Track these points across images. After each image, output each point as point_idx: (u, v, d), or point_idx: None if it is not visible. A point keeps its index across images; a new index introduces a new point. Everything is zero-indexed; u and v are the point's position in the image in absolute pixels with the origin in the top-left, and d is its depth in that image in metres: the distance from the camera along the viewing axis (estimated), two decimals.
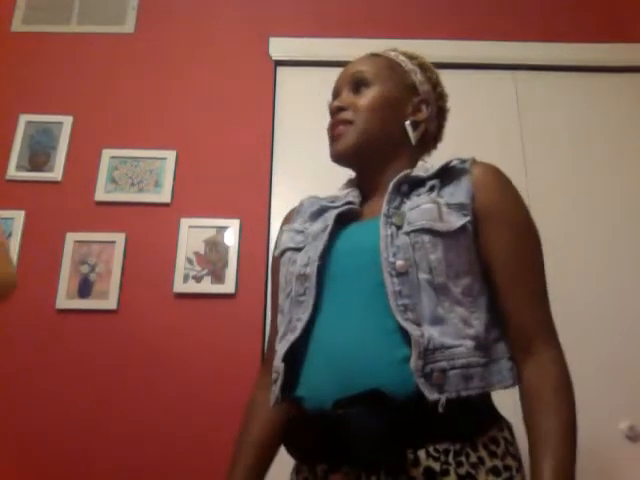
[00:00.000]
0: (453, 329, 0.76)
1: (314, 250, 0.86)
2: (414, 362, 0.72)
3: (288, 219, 1.04)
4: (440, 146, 1.04)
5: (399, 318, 0.75)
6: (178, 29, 2.07)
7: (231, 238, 1.78)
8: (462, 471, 0.71)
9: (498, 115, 1.98)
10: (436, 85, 0.99)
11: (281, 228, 1.03)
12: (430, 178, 0.87)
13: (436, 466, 0.71)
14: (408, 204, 0.84)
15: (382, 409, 0.70)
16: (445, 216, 0.80)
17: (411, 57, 1.00)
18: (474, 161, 0.89)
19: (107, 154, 1.87)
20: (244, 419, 0.96)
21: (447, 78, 1.04)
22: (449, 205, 0.82)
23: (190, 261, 1.75)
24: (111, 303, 1.69)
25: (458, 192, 0.84)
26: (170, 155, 1.87)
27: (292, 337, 0.83)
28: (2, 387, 1.61)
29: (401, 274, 0.77)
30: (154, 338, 1.67)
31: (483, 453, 0.73)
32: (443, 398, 0.71)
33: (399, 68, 0.97)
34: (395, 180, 0.87)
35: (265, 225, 1.81)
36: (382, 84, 0.94)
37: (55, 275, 1.72)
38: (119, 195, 1.82)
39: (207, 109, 1.95)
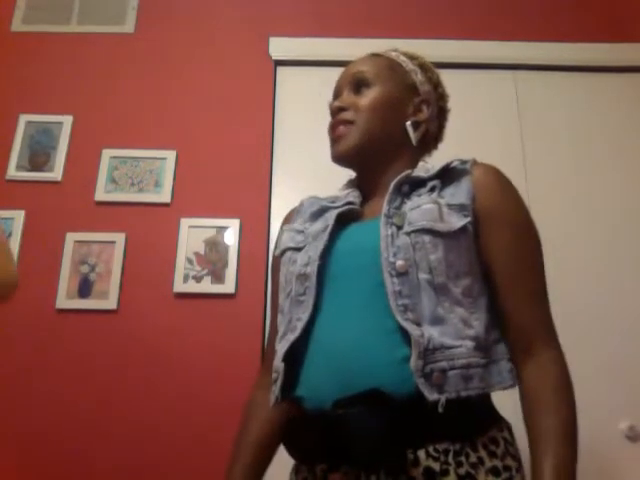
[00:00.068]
0: (453, 329, 0.76)
1: (314, 250, 0.86)
2: (414, 362, 0.72)
3: (288, 219, 1.04)
4: (440, 146, 1.04)
5: (399, 318, 0.75)
6: (178, 29, 2.07)
7: (231, 238, 1.78)
8: (462, 471, 0.71)
9: (498, 115, 1.98)
10: (437, 85, 0.99)
11: (281, 228, 1.03)
12: (431, 178, 0.87)
13: (436, 466, 0.71)
14: (409, 204, 0.84)
15: (382, 409, 0.70)
16: (446, 217, 0.81)
17: (412, 57, 1.00)
18: (475, 162, 0.89)
19: (107, 154, 1.87)
20: (243, 419, 0.97)
21: (447, 78, 1.04)
22: (450, 206, 0.82)
23: (190, 261, 1.75)
24: (111, 303, 1.69)
25: (459, 193, 0.84)
26: (170, 155, 1.87)
27: (292, 337, 0.83)
28: (2, 387, 1.61)
29: (401, 274, 0.77)
30: (154, 338, 1.67)
31: (483, 453, 0.73)
32: (443, 398, 0.71)
33: (400, 68, 0.97)
34: (396, 180, 0.87)
35: (265, 225, 1.81)
36: (383, 84, 0.94)
37: (55, 275, 1.72)
38: (119, 195, 1.82)
39: (207, 109, 1.95)
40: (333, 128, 0.95)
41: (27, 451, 1.56)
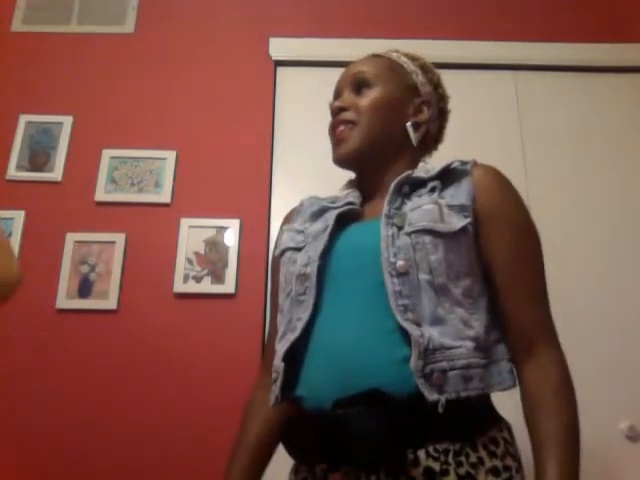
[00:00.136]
0: (453, 330, 0.76)
1: (314, 250, 0.86)
2: (414, 362, 0.72)
3: (288, 219, 1.04)
4: (440, 146, 1.04)
5: (399, 318, 0.75)
6: (178, 29, 2.07)
7: (231, 238, 1.78)
8: (462, 471, 0.71)
9: (498, 115, 1.98)
10: (437, 86, 1.00)
11: (281, 228, 1.03)
12: (431, 179, 0.87)
13: (436, 466, 0.71)
14: (409, 205, 0.84)
15: (382, 409, 0.70)
16: (446, 217, 0.81)
17: (413, 58, 1.00)
18: (475, 163, 0.89)
19: (107, 154, 1.87)
20: (243, 419, 0.97)
21: (447, 78, 1.04)
22: (450, 206, 0.82)
23: (190, 261, 1.75)
24: (111, 303, 1.69)
25: (459, 194, 0.84)
26: (170, 155, 1.87)
27: (292, 337, 0.83)
28: (2, 387, 1.61)
29: (401, 274, 0.77)
30: (154, 338, 1.67)
31: (483, 453, 0.73)
32: (443, 399, 0.72)
33: (401, 69, 0.98)
34: (396, 181, 0.87)
35: (265, 225, 1.81)
36: (383, 85, 0.94)
37: (55, 275, 1.72)
38: (119, 195, 1.82)
39: (207, 109, 1.95)
40: (334, 128, 0.95)
41: (27, 451, 1.56)
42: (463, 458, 0.72)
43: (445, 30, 2.06)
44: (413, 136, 0.94)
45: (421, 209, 0.82)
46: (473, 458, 0.72)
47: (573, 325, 1.57)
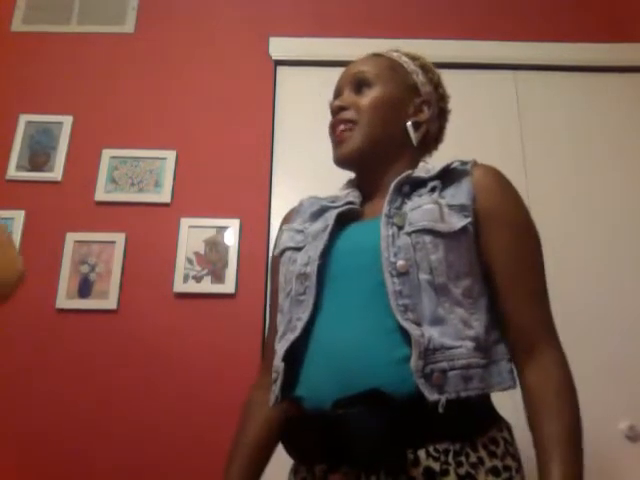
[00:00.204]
0: (453, 330, 0.76)
1: (314, 249, 0.86)
2: (414, 362, 0.72)
3: (288, 219, 1.04)
4: (440, 146, 1.04)
5: (399, 318, 0.75)
6: (178, 29, 2.07)
7: (231, 238, 1.78)
8: (462, 471, 0.71)
9: (498, 115, 1.98)
10: (438, 86, 1.00)
11: (281, 228, 1.03)
12: (431, 179, 0.87)
13: (436, 466, 0.71)
14: (409, 204, 0.84)
15: (382, 409, 0.70)
16: (446, 217, 0.81)
17: (413, 58, 1.00)
18: (475, 163, 0.89)
19: (107, 154, 1.87)
20: (242, 418, 0.97)
21: (447, 78, 1.04)
22: (450, 206, 0.82)
23: (190, 261, 1.75)
24: (111, 303, 1.69)
25: (459, 193, 0.84)
26: (170, 155, 1.87)
27: (292, 337, 0.83)
28: (2, 387, 1.61)
29: (402, 274, 0.77)
30: (154, 338, 1.67)
31: (483, 453, 0.73)
32: (443, 399, 0.71)
33: (401, 69, 0.97)
34: (397, 181, 0.87)
35: (265, 225, 1.81)
36: (384, 84, 0.94)
37: (55, 275, 1.72)
38: (119, 195, 1.82)
39: (207, 109, 1.95)
40: (334, 127, 0.95)
41: (27, 451, 1.56)
42: (463, 458, 0.72)
43: (445, 30, 2.06)
44: (413, 136, 0.94)
45: (421, 209, 0.82)
46: (473, 458, 0.72)
47: (573, 325, 1.57)
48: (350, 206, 0.92)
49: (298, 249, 0.90)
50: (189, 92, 1.97)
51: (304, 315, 0.83)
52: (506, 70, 2.04)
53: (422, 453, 0.72)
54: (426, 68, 1.00)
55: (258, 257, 1.76)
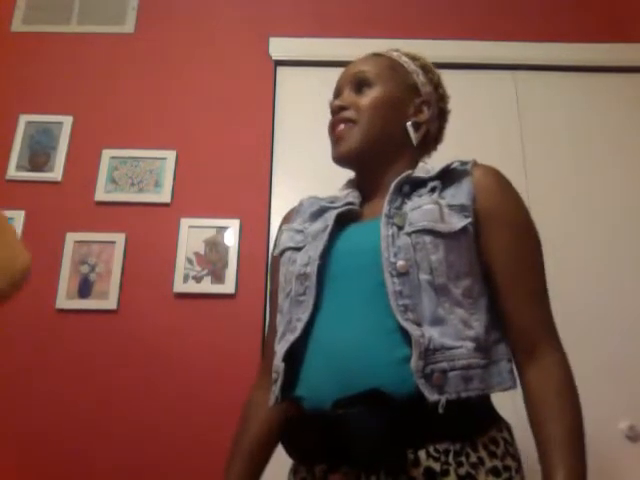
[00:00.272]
0: (453, 330, 0.76)
1: (314, 249, 0.86)
2: (415, 362, 0.72)
3: (287, 219, 1.04)
4: (440, 146, 1.04)
5: (399, 318, 0.75)
6: (178, 29, 2.07)
7: (231, 238, 1.78)
8: (462, 471, 0.71)
9: (498, 115, 1.98)
10: (438, 86, 0.99)
11: (280, 228, 1.03)
12: (431, 179, 0.87)
13: (436, 466, 0.71)
14: (409, 205, 0.84)
15: (382, 409, 0.70)
16: (446, 217, 0.81)
17: (413, 58, 1.00)
18: (475, 163, 0.89)
19: (107, 154, 1.87)
20: (241, 419, 0.97)
21: (447, 78, 1.04)
22: (450, 206, 0.82)
23: (190, 261, 1.75)
24: (111, 303, 1.69)
25: (459, 194, 0.84)
26: (170, 155, 1.87)
27: (292, 337, 0.83)
28: (2, 387, 1.61)
29: (402, 274, 0.77)
30: (154, 338, 1.67)
31: (483, 453, 0.73)
32: (443, 399, 0.71)
33: (401, 69, 0.97)
34: (397, 181, 0.87)
35: (265, 225, 1.81)
36: (384, 84, 0.94)
37: (55, 275, 1.72)
38: (119, 195, 1.82)
39: (207, 109, 1.95)
40: (333, 126, 0.95)
41: (27, 451, 1.56)
42: (463, 458, 0.72)
43: (445, 30, 2.06)
44: (413, 136, 0.94)
45: (421, 209, 0.82)
46: (473, 458, 0.72)
47: (573, 325, 1.57)
48: (350, 207, 0.92)
49: (298, 249, 0.90)
50: (189, 92, 1.97)
51: (304, 315, 0.83)
52: (506, 70, 2.04)
53: (422, 453, 0.72)
54: (426, 68, 1.00)
55: (258, 257, 1.76)
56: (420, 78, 0.97)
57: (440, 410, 0.71)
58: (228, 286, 1.72)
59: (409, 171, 0.89)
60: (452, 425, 0.73)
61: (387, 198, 0.85)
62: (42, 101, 1.95)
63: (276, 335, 0.89)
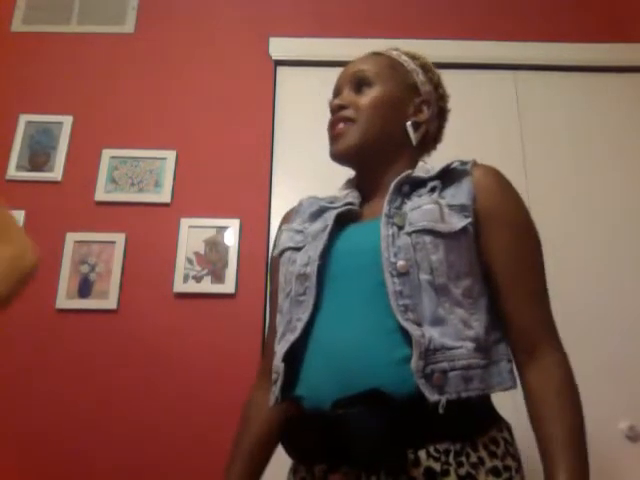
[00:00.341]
0: (453, 330, 0.76)
1: (314, 250, 0.86)
2: (415, 363, 0.72)
3: (287, 219, 1.03)
4: (440, 146, 1.04)
5: (399, 318, 0.75)
6: (178, 29, 2.07)
7: (231, 238, 1.78)
8: (462, 471, 0.71)
9: (498, 115, 1.98)
10: (437, 86, 0.99)
11: (280, 228, 1.02)
12: (431, 179, 0.87)
13: (436, 466, 0.71)
14: (409, 204, 0.84)
15: (382, 409, 0.70)
16: (447, 217, 0.81)
17: (413, 57, 1.00)
18: (475, 163, 0.89)
19: (107, 154, 1.87)
20: (242, 419, 0.96)
21: (447, 78, 1.04)
22: (450, 206, 0.82)
23: (190, 261, 1.75)
24: (111, 303, 1.69)
25: (459, 194, 0.84)
26: (170, 155, 1.87)
27: (292, 337, 0.83)
28: (2, 387, 1.61)
29: (402, 274, 0.77)
30: (154, 338, 1.67)
31: (483, 453, 0.73)
32: (443, 399, 0.71)
33: (401, 68, 0.97)
34: (397, 180, 0.87)
35: (265, 225, 1.81)
36: (384, 84, 0.94)
37: (55, 275, 1.72)
38: (119, 195, 1.82)
39: (207, 109, 1.95)
40: (333, 126, 0.95)
41: (27, 451, 1.56)
42: (464, 458, 0.72)
43: (445, 30, 2.06)
44: (413, 136, 0.93)
45: (421, 209, 0.82)
46: (473, 458, 0.72)
47: (573, 325, 1.57)
48: (349, 207, 0.92)
49: (298, 249, 0.90)
50: (189, 92, 1.97)
51: (304, 316, 0.83)
52: (506, 70, 2.04)
53: (422, 453, 0.72)
54: (426, 67, 0.99)
55: (258, 257, 1.76)
56: (420, 77, 0.97)
57: (440, 410, 0.71)
58: (228, 286, 1.72)
59: (409, 171, 0.89)
60: (452, 425, 0.73)
61: (387, 198, 0.85)
62: (42, 101, 1.95)
63: (276, 335, 0.89)
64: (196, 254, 1.75)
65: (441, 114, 1.01)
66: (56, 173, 1.85)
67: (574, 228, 1.83)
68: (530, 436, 0.77)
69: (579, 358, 0.93)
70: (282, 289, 0.91)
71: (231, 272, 1.73)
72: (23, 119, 1.91)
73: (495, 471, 0.73)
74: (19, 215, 1.77)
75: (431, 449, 0.72)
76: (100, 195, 1.82)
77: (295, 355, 0.83)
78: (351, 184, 1.00)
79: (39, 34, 2.05)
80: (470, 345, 0.75)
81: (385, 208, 0.83)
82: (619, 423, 1.61)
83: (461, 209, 0.82)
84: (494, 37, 2.05)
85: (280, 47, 2.03)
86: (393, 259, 0.78)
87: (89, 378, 1.63)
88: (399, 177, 0.87)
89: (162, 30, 2.06)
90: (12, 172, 1.84)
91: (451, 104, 1.03)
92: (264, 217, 1.82)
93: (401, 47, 1.04)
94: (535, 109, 1.99)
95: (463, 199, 0.83)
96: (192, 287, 1.72)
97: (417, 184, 0.88)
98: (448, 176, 0.87)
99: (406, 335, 0.74)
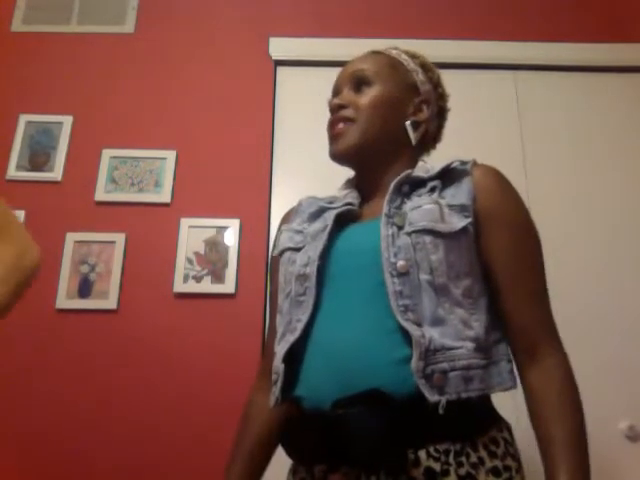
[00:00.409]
0: (453, 330, 0.76)
1: (314, 250, 0.86)
2: (415, 363, 0.72)
3: (286, 219, 1.03)
4: (440, 145, 1.04)
5: (399, 318, 0.75)
6: (178, 29, 2.07)
7: (231, 238, 1.78)
8: (462, 471, 0.71)
9: (498, 115, 1.98)
10: (437, 85, 0.99)
11: (279, 228, 1.02)
12: (431, 179, 0.87)
13: (437, 466, 0.71)
14: (409, 204, 0.84)
15: (382, 409, 0.70)
16: (447, 217, 0.81)
17: (413, 56, 1.00)
18: (475, 163, 0.89)
19: (107, 154, 1.87)
20: (242, 420, 0.97)
21: (447, 78, 1.04)
22: (450, 206, 0.82)
23: (190, 261, 1.75)
24: (111, 303, 1.69)
25: (459, 193, 0.84)
26: (170, 155, 1.87)
27: (292, 338, 0.83)
28: (2, 387, 1.61)
29: (402, 274, 0.77)
30: (154, 338, 1.67)
31: (483, 453, 0.73)
32: (443, 400, 0.71)
33: (401, 67, 0.97)
34: (397, 180, 0.87)
35: (265, 225, 1.81)
36: (383, 83, 0.94)
37: (55, 275, 1.72)
38: (119, 195, 1.82)
39: (207, 109, 1.95)
40: (332, 125, 0.95)
41: (27, 451, 1.56)
42: (464, 458, 0.72)
43: (445, 30, 2.06)
44: (412, 135, 0.93)
45: (421, 209, 0.82)
46: (474, 458, 0.72)
47: (573, 325, 1.57)
48: (349, 207, 0.91)
49: (297, 249, 0.90)
50: (189, 92, 1.97)
51: (304, 316, 0.83)
52: (506, 70, 2.04)
53: (422, 453, 0.72)
54: (426, 67, 0.99)
55: (258, 257, 1.76)
56: (419, 77, 0.97)
57: (440, 411, 0.71)
58: (228, 286, 1.72)
59: (408, 170, 0.89)
60: (452, 425, 0.73)
61: (387, 198, 0.85)
62: (42, 101, 1.95)
63: (276, 336, 0.89)
64: (196, 254, 1.75)
65: (441, 113, 1.00)
66: (56, 173, 1.85)
67: (574, 228, 1.83)
68: (530, 436, 0.77)
69: (579, 358, 0.93)
70: (282, 289, 0.90)
71: (231, 272, 1.73)
72: (23, 119, 1.91)
73: (495, 471, 0.73)
74: (19, 215, 1.77)
75: (431, 449, 0.72)
76: (100, 195, 1.82)
77: (295, 355, 0.83)
78: (351, 184, 0.99)
79: (39, 34, 2.05)
80: (470, 345, 0.75)
81: (385, 208, 0.83)
82: (619, 423, 1.61)
83: (461, 209, 0.82)
84: (494, 37, 2.05)
85: (280, 47, 2.03)
86: (393, 259, 0.78)
87: (89, 378, 1.63)
88: (399, 177, 0.87)
89: (162, 30, 2.06)
90: (12, 172, 1.84)
91: (451, 104, 1.03)
92: (264, 217, 1.82)
93: (400, 47, 1.04)
94: (535, 109, 1.99)
95: (463, 199, 0.83)
96: (192, 287, 1.72)
97: (417, 184, 0.88)
98: (448, 176, 0.87)
99: (406, 335, 0.74)
